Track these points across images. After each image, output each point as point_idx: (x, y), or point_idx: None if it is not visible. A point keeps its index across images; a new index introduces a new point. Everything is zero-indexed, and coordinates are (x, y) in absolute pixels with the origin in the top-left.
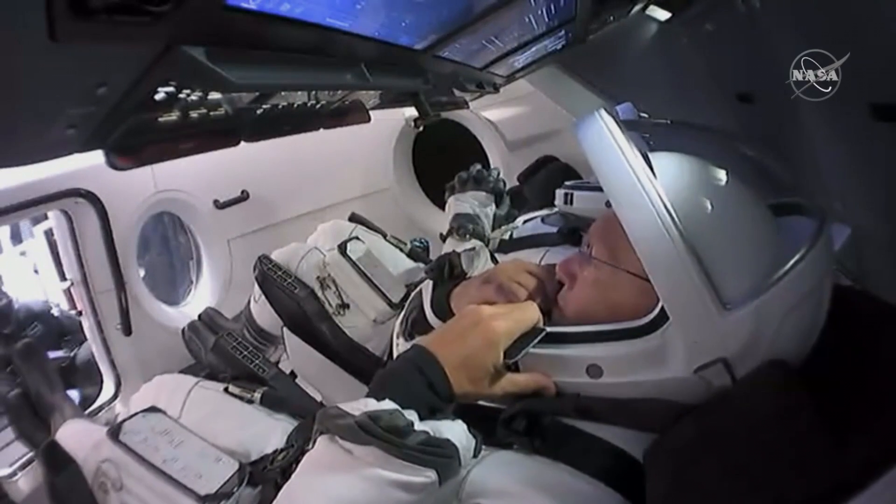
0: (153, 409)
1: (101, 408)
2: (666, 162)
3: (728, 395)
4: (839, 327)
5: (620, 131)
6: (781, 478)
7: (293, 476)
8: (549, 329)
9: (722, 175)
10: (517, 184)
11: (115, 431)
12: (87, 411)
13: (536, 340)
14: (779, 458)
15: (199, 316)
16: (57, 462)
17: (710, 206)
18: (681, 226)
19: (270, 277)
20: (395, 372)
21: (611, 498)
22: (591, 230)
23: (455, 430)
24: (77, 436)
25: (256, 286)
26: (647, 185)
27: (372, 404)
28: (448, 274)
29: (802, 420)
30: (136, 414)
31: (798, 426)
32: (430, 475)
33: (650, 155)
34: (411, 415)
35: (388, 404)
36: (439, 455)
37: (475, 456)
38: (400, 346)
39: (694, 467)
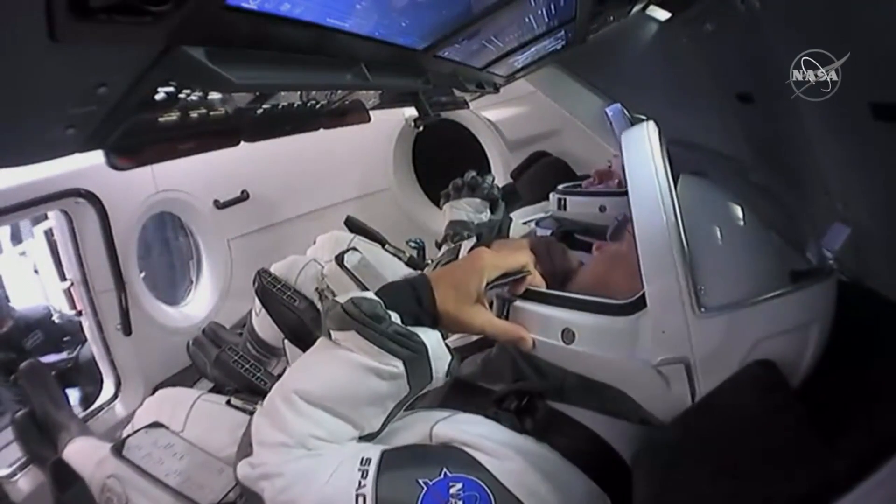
0: (155, 425)
1: (100, 408)
2: (690, 180)
3: (714, 395)
4: (835, 322)
5: (660, 146)
6: (768, 478)
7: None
8: (535, 286)
9: (739, 200)
10: (511, 180)
11: (118, 447)
12: (87, 411)
13: (518, 276)
14: (765, 459)
15: (203, 330)
16: (64, 479)
17: (715, 218)
18: (680, 221)
19: (270, 290)
20: (390, 284)
21: (579, 480)
22: None
23: (429, 335)
24: (83, 453)
25: (257, 299)
26: (663, 185)
27: (358, 295)
28: (496, 235)
29: (789, 419)
30: (139, 430)
31: (784, 426)
32: (397, 365)
33: (681, 175)
34: (394, 315)
35: (370, 296)
36: (407, 347)
37: (448, 374)
38: None
39: (680, 469)
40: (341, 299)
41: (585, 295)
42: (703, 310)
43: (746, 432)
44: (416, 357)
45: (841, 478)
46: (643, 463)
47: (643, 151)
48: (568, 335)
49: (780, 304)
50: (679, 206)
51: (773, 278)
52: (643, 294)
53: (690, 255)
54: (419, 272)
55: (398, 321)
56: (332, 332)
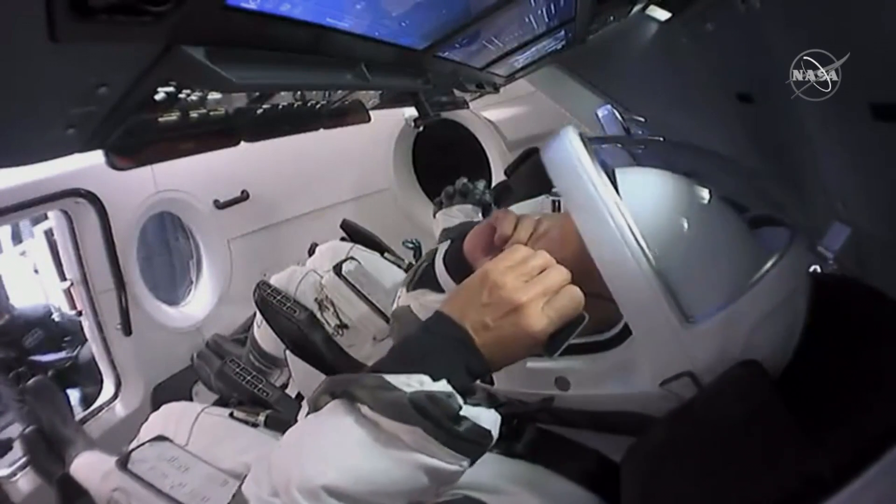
0: (160, 438)
1: (100, 408)
2: (632, 178)
3: (698, 397)
4: (830, 316)
5: (585, 150)
6: (750, 479)
7: (294, 431)
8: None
9: (690, 188)
10: (505, 178)
11: (123, 461)
12: (86, 411)
13: (578, 330)
14: (747, 460)
15: (207, 343)
16: (70, 494)
17: (675, 221)
18: (643, 243)
19: (270, 302)
20: (434, 348)
21: (589, 499)
22: (554, 230)
23: (493, 421)
24: (89, 467)
25: (257, 311)
26: (609, 203)
27: (427, 382)
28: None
29: (772, 419)
30: (143, 443)
31: (769, 426)
32: (464, 465)
33: (617, 170)
34: (458, 399)
35: (444, 385)
36: (482, 445)
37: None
38: (401, 297)
39: (664, 471)
40: (398, 383)
41: None
42: (691, 321)
43: (729, 433)
44: (482, 452)
45: (828, 478)
46: (629, 464)
47: (571, 166)
48: (562, 383)
49: (766, 284)
50: (630, 218)
51: (751, 259)
52: (625, 323)
53: (660, 266)
54: (460, 326)
55: (466, 410)
56: (370, 411)
